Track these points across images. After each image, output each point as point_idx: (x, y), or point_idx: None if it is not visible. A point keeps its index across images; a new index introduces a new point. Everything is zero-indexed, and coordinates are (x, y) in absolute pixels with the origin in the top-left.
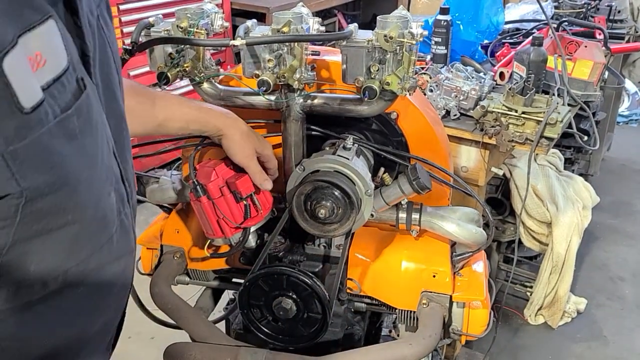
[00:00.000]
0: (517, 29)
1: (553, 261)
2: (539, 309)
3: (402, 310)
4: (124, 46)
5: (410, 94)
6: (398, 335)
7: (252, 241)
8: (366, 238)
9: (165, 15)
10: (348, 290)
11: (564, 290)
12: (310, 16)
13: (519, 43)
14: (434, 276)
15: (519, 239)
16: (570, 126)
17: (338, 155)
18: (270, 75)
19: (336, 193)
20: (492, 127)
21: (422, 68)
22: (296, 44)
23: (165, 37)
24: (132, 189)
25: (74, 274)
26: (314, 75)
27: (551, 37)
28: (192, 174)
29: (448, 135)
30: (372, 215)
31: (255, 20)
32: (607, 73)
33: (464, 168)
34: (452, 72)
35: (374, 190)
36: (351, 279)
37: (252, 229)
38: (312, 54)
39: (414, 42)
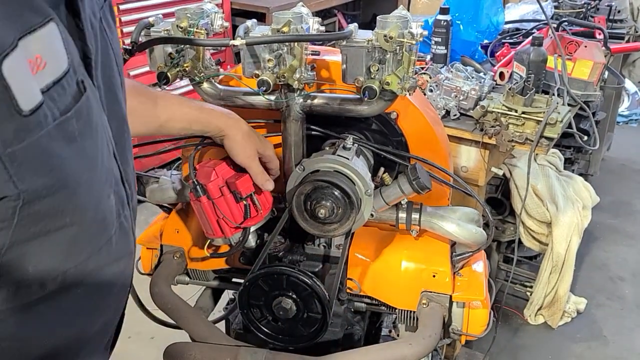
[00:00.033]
0: (517, 29)
1: (553, 261)
2: (539, 309)
3: (402, 310)
4: (124, 46)
5: (410, 94)
6: (398, 335)
7: (252, 241)
8: (366, 238)
9: (165, 15)
10: (348, 290)
11: (564, 290)
12: (310, 16)
13: (519, 43)
14: (434, 276)
15: (519, 239)
16: (570, 126)
17: (338, 155)
18: (270, 75)
19: (336, 193)
20: (492, 127)
21: (422, 68)
22: (296, 43)
23: (165, 37)
24: (133, 191)
25: (72, 275)
26: (314, 75)
27: (551, 37)
28: (192, 174)
29: (448, 135)
30: (372, 215)
31: (255, 20)
32: (607, 73)
33: (464, 168)
34: (452, 72)
35: (374, 190)
36: (351, 279)
37: (252, 229)
38: (312, 54)
39: (414, 42)
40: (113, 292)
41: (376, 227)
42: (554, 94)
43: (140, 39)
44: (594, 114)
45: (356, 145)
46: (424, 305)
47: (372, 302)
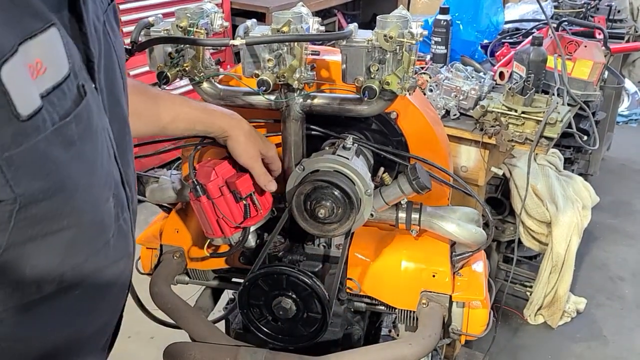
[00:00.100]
0: (517, 29)
1: (553, 261)
2: (539, 309)
3: (401, 310)
4: (124, 46)
5: (410, 94)
6: (398, 335)
7: (251, 241)
8: (366, 238)
9: (165, 15)
10: (348, 290)
11: (564, 290)
12: (310, 16)
13: (519, 43)
14: (434, 276)
15: (519, 239)
16: (570, 126)
17: (338, 155)
18: (270, 75)
19: (336, 193)
20: (492, 126)
21: (422, 68)
22: (296, 43)
23: (165, 37)
24: (133, 193)
25: (70, 277)
26: (314, 75)
27: (551, 37)
28: (191, 174)
29: (448, 135)
30: (371, 215)
31: (255, 20)
32: (606, 73)
33: (463, 168)
34: (451, 71)
35: (374, 190)
36: (351, 279)
37: (252, 228)
38: (312, 54)
39: (413, 42)
40: (112, 294)
41: (376, 227)
42: (553, 94)
43: (140, 39)
44: (593, 113)
45: (356, 145)
46: (424, 305)
47: (372, 302)
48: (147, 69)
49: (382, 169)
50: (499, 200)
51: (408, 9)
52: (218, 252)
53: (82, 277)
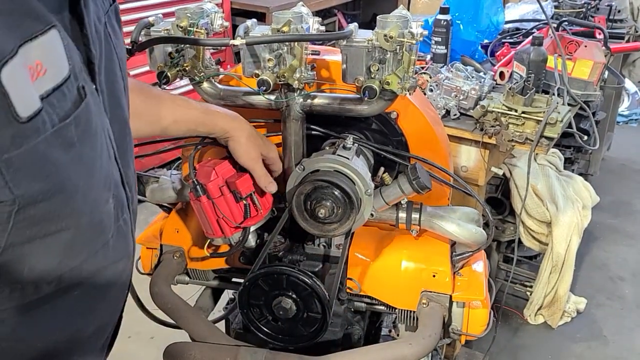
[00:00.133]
0: (517, 29)
1: (553, 261)
2: (539, 309)
3: (401, 310)
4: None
5: (410, 94)
6: (398, 335)
7: (252, 241)
8: (366, 238)
9: (165, 15)
10: (348, 290)
11: (564, 290)
12: (310, 16)
13: (519, 43)
14: (434, 276)
15: (519, 239)
16: (570, 126)
17: (338, 155)
18: (270, 75)
19: (336, 193)
20: (492, 126)
21: (422, 68)
22: (296, 43)
23: (165, 37)
24: (134, 194)
25: (69, 277)
26: (314, 74)
27: (551, 37)
28: (191, 174)
29: (448, 135)
30: (372, 214)
31: (255, 20)
32: (607, 73)
33: (464, 168)
34: (452, 71)
35: (374, 189)
36: (351, 279)
37: (252, 228)
38: (312, 54)
39: (414, 41)
40: (111, 294)
41: (376, 226)
42: (554, 94)
43: (140, 39)
44: (594, 113)
45: (356, 145)
46: (424, 305)
47: (372, 302)
48: (147, 68)
49: (382, 168)
50: (499, 200)
51: (408, 9)
52: (218, 252)
53: (81, 277)
